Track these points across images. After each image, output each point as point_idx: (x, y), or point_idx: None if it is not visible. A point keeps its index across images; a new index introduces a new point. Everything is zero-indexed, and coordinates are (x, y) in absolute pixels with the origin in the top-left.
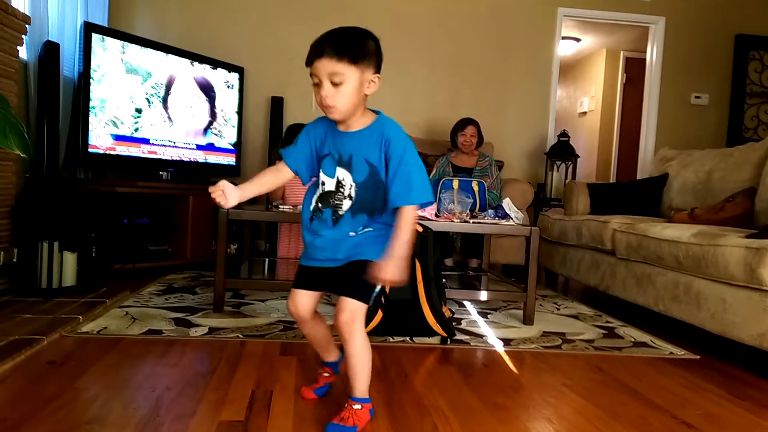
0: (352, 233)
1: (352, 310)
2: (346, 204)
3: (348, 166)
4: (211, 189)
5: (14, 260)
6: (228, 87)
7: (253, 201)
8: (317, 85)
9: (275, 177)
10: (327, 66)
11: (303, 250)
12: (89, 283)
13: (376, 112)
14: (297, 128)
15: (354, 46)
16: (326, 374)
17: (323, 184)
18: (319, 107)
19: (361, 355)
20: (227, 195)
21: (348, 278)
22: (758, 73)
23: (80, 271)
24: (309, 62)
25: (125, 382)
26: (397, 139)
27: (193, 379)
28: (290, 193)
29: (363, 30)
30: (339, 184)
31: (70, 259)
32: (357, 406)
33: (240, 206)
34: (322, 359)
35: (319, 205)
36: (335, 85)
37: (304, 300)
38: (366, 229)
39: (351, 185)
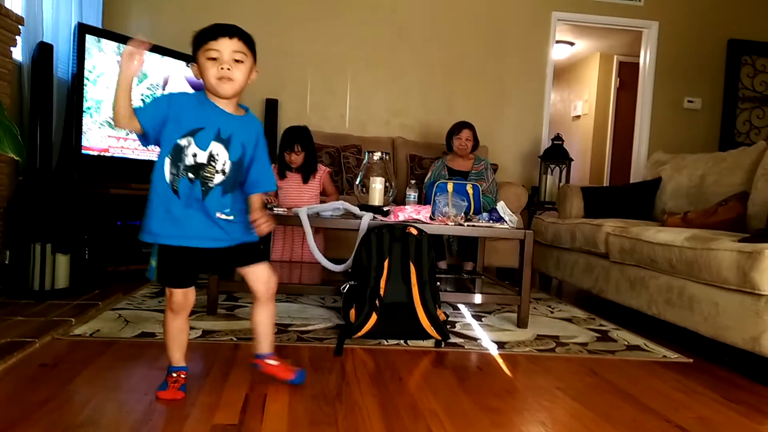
0: (219, 214)
1: (275, 280)
2: (218, 178)
3: (226, 143)
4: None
5: (6, 262)
6: None
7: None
8: (214, 59)
9: (128, 112)
10: (234, 45)
11: (159, 226)
12: (82, 285)
13: (244, 108)
14: (294, 131)
15: (249, 36)
16: (183, 376)
17: (195, 155)
18: (213, 83)
19: (274, 314)
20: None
21: (242, 254)
22: (750, 78)
23: (73, 274)
24: (214, 38)
25: (118, 385)
26: (262, 134)
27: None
28: (284, 196)
29: None
30: (211, 158)
31: (62, 261)
32: (274, 361)
33: None
34: (177, 363)
35: (189, 174)
36: (236, 62)
37: (193, 290)
38: (229, 217)
39: (225, 161)
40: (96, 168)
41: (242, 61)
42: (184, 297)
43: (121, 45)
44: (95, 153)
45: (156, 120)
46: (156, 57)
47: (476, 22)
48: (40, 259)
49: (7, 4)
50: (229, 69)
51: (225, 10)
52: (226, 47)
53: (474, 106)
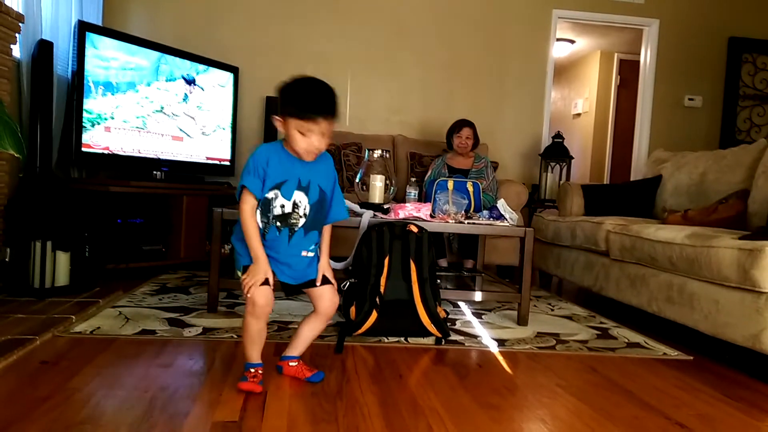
0: (304, 252)
1: (334, 287)
2: (301, 221)
3: (306, 189)
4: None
5: (7, 260)
6: (222, 86)
7: None
8: (304, 134)
9: (253, 214)
10: (328, 126)
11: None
12: (82, 282)
13: None
14: None
15: (337, 110)
16: (261, 372)
17: (282, 206)
18: (299, 152)
19: (322, 327)
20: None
21: (311, 282)
22: (751, 76)
23: (73, 271)
24: (314, 117)
25: (118, 382)
26: (333, 168)
27: (186, 379)
28: None
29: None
30: (295, 205)
31: (63, 259)
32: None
33: (235, 207)
34: (254, 360)
35: (277, 223)
36: (323, 135)
37: (272, 295)
38: (310, 253)
39: (306, 206)
40: (96, 165)
41: (327, 134)
42: (266, 300)
43: (120, 42)
44: (95, 150)
45: (260, 188)
46: (156, 55)
47: (477, 20)
48: (40, 257)
49: (7, 2)
50: (319, 148)
51: (225, 7)
52: (323, 127)
53: (474, 103)
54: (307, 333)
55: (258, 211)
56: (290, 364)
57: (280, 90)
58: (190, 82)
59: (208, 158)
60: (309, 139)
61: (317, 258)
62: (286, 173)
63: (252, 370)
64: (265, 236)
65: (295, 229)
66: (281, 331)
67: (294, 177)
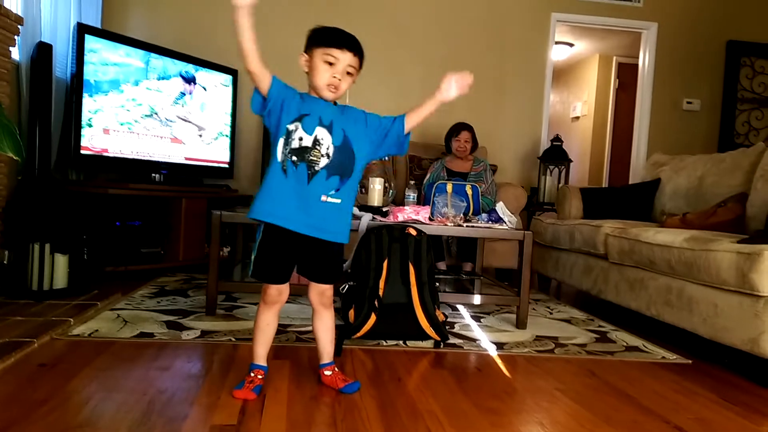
0: (324, 197)
1: (329, 291)
2: (323, 162)
3: (329, 128)
4: None
5: (5, 262)
6: (221, 89)
7: (247, 204)
8: (331, 64)
9: (260, 60)
10: (351, 59)
11: (265, 202)
12: (80, 285)
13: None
14: None
15: (364, 54)
16: (260, 376)
17: (300, 139)
18: (320, 85)
19: (333, 323)
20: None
21: (321, 263)
22: (749, 79)
23: (71, 274)
24: (340, 46)
25: (117, 385)
26: (363, 113)
27: (185, 382)
28: None
29: None
30: (316, 142)
31: (61, 261)
32: (331, 372)
33: (233, 209)
34: (258, 360)
35: (293, 158)
36: (348, 74)
37: (287, 286)
38: (333, 199)
39: (329, 146)
40: (95, 168)
41: (351, 75)
42: (278, 293)
43: (119, 45)
44: (94, 153)
45: (280, 91)
46: (154, 57)
47: (476, 23)
48: (38, 259)
49: (6, 4)
50: (339, 79)
51: (224, 10)
52: (345, 59)
53: (473, 106)
54: (323, 335)
55: (281, 142)
56: (325, 372)
57: (309, 32)
58: (190, 80)
59: (206, 161)
60: (333, 69)
61: (343, 213)
62: (308, 108)
63: (252, 374)
64: (286, 171)
65: (316, 168)
66: (278, 334)
67: (315, 113)
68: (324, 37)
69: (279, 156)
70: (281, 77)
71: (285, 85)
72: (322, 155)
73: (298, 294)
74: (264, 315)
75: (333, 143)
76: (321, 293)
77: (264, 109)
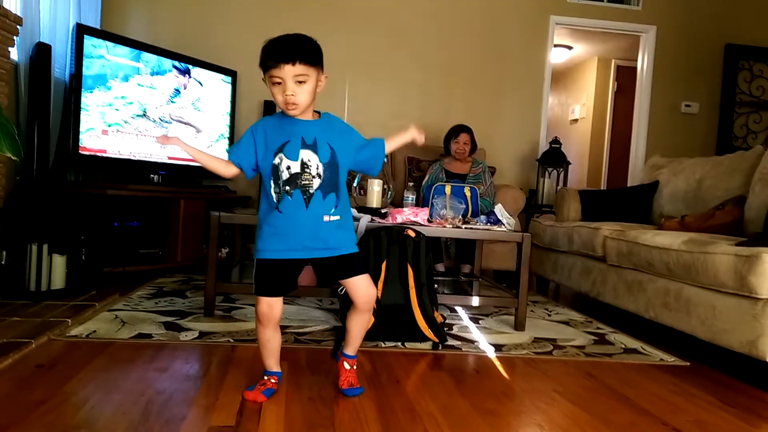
0: (326, 217)
1: (368, 278)
2: (316, 182)
3: (313, 147)
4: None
5: (3, 263)
6: (221, 90)
7: (245, 205)
8: (278, 84)
9: (223, 164)
10: (296, 69)
11: (266, 242)
12: (78, 286)
13: (318, 112)
14: None
15: (313, 51)
16: (273, 381)
17: (288, 168)
18: (281, 105)
19: (368, 322)
20: (168, 139)
21: (343, 268)
22: (747, 83)
23: (69, 274)
24: (276, 65)
25: (114, 386)
26: (347, 126)
27: (183, 383)
28: None
29: (309, 37)
30: (304, 165)
31: (59, 262)
32: (350, 367)
33: (232, 210)
34: (269, 368)
35: (287, 188)
36: (299, 83)
37: (276, 302)
38: (334, 217)
39: (318, 165)
40: (93, 168)
41: (306, 82)
42: (268, 307)
43: (117, 45)
44: (92, 153)
45: (247, 155)
46: (153, 57)
47: (474, 26)
48: (36, 260)
49: (5, 4)
50: (293, 95)
51: (224, 11)
52: (288, 73)
53: (472, 109)
54: (354, 328)
55: (271, 183)
56: (345, 365)
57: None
58: (185, 71)
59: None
60: (283, 88)
61: (346, 227)
62: (287, 134)
63: (264, 378)
64: (279, 208)
65: (311, 191)
66: None
67: (296, 135)
68: (263, 60)
69: (273, 196)
70: None
71: (246, 144)
72: (314, 176)
73: (297, 295)
74: (263, 332)
75: (321, 161)
76: (366, 293)
77: (252, 173)
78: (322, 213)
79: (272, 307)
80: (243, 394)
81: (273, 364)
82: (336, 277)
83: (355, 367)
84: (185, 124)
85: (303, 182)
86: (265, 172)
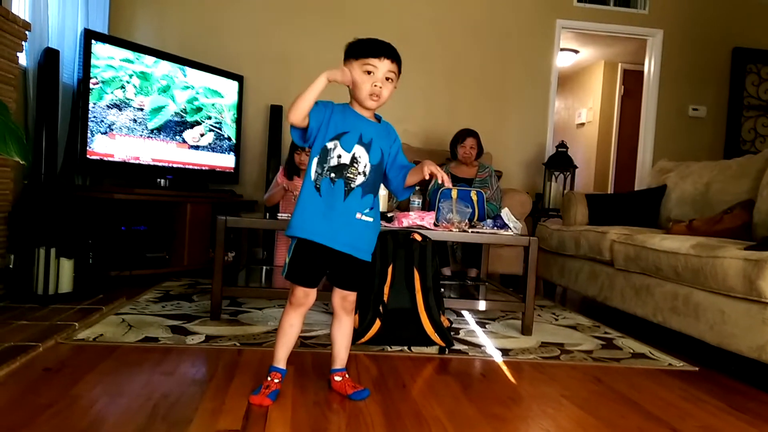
0: (359, 215)
1: (352, 296)
2: (359, 179)
3: (367, 147)
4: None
5: (11, 266)
6: (227, 95)
7: (251, 209)
8: (370, 73)
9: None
10: (390, 66)
11: (299, 219)
12: (86, 289)
13: (378, 117)
14: None
15: (401, 60)
16: (277, 380)
17: (339, 156)
18: (363, 96)
19: (351, 329)
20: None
21: (349, 275)
22: (755, 86)
23: (77, 278)
24: (378, 55)
25: (121, 389)
26: (398, 140)
27: (189, 387)
28: (290, 201)
29: None
30: (354, 160)
31: (66, 266)
32: (341, 378)
33: (238, 214)
34: (277, 363)
35: (332, 174)
36: (388, 80)
37: (314, 291)
38: (367, 217)
39: (366, 164)
40: (101, 173)
41: (391, 81)
42: (305, 295)
43: (124, 50)
44: (100, 158)
45: (320, 120)
46: (160, 62)
47: (480, 30)
48: (44, 264)
49: (14, 10)
50: (380, 87)
51: (231, 16)
52: (385, 67)
53: (478, 113)
54: (337, 339)
55: (315, 161)
56: (335, 378)
57: (346, 46)
58: (195, 86)
59: (212, 166)
60: (373, 78)
61: (373, 232)
62: (349, 125)
63: (269, 378)
64: (319, 189)
65: (352, 185)
66: None
67: (356, 130)
68: (360, 49)
69: (312, 175)
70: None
71: (323, 108)
72: (359, 173)
73: None
74: (288, 316)
75: (370, 161)
76: (344, 298)
77: (306, 141)
78: (356, 209)
79: (308, 294)
80: (249, 398)
81: (283, 358)
82: (339, 279)
83: (347, 375)
84: (194, 127)
85: (348, 174)
86: (315, 149)
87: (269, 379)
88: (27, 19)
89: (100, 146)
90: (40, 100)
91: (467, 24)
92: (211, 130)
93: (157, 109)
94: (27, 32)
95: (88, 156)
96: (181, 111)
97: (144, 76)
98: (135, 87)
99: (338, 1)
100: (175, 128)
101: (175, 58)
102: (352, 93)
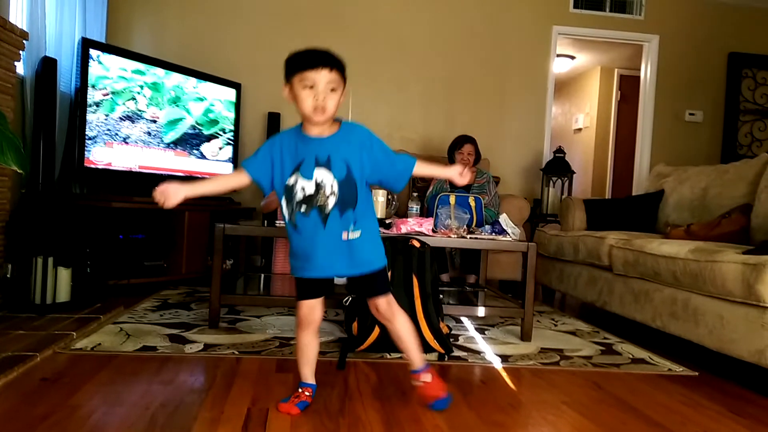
0: (345, 234)
1: (387, 298)
2: (332, 200)
3: (327, 166)
4: (154, 192)
5: (8, 276)
6: (225, 102)
7: (249, 217)
8: (310, 88)
9: (234, 179)
10: (329, 75)
11: (293, 258)
12: (83, 298)
13: (337, 120)
14: None
15: (343, 65)
16: (307, 393)
17: (303, 189)
18: (308, 112)
19: (408, 328)
20: (169, 194)
21: (371, 284)
22: (751, 91)
23: (74, 287)
24: (313, 67)
25: (119, 399)
26: (369, 138)
27: (188, 396)
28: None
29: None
30: (318, 186)
31: (64, 275)
32: (429, 377)
33: (236, 222)
34: (304, 379)
35: (302, 208)
36: (331, 90)
37: (316, 305)
38: (354, 233)
39: (332, 183)
40: (98, 181)
41: (336, 90)
42: (309, 309)
43: (122, 58)
44: (98, 166)
45: (263, 168)
46: (159, 71)
47: (477, 36)
48: (41, 273)
49: (12, 19)
50: (323, 99)
51: (228, 24)
52: (323, 78)
53: (475, 119)
54: (400, 343)
55: (283, 201)
56: (416, 381)
57: (285, 62)
58: (193, 94)
59: (210, 174)
60: (314, 92)
61: (370, 242)
62: (302, 153)
63: (299, 390)
64: (296, 227)
65: (327, 210)
66: (282, 347)
67: (310, 155)
68: (296, 63)
69: (286, 215)
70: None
71: (265, 155)
72: (329, 195)
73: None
74: (302, 336)
75: (336, 178)
76: (376, 308)
77: (268, 189)
78: (340, 230)
79: (313, 309)
80: (277, 405)
81: (309, 374)
82: (366, 291)
83: (429, 378)
84: (192, 135)
85: (318, 202)
86: (279, 189)
87: (300, 391)
88: (24, 28)
89: (98, 155)
90: (37, 109)
91: (464, 31)
92: (208, 138)
93: (155, 117)
94: (24, 41)
95: (85, 165)
96: (179, 118)
97: (141, 84)
98: (132, 95)
99: (336, 8)
100: (172, 136)
101: (173, 66)
102: (298, 111)
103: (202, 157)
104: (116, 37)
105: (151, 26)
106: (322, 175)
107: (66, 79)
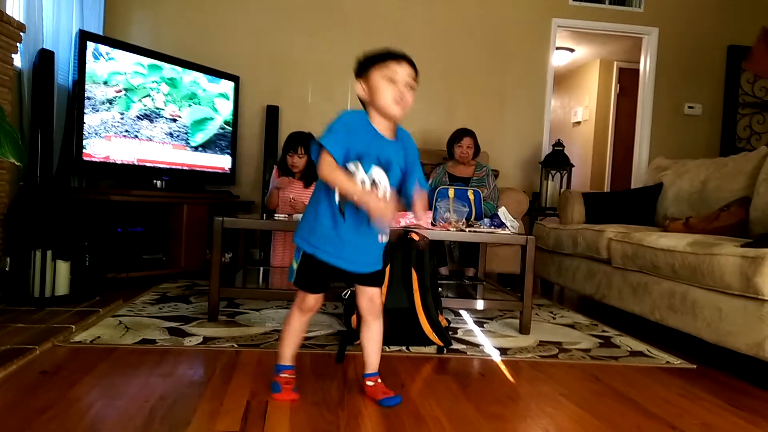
0: (380, 237)
1: (377, 297)
2: None
3: (386, 169)
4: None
5: (7, 269)
6: (223, 95)
7: (248, 210)
8: (391, 82)
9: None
10: (410, 71)
11: (321, 241)
12: (82, 292)
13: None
14: (298, 135)
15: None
16: (293, 375)
17: (362, 182)
18: (387, 102)
19: (381, 333)
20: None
21: (372, 276)
22: (750, 84)
23: (73, 280)
24: (397, 60)
25: (118, 392)
26: (417, 155)
27: (187, 389)
28: (286, 202)
29: None
30: (374, 183)
31: (63, 268)
32: (378, 380)
33: (235, 215)
34: (286, 361)
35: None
36: (410, 88)
37: (321, 296)
38: (386, 237)
39: (386, 186)
40: (97, 174)
41: (413, 89)
42: (315, 301)
43: (119, 51)
44: (96, 160)
45: (344, 150)
46: (156, 63)
47: (476, 29)
48: (40, 266)
49: (9, 11)
50: (407, 92)
51: (226, 17)
52: (407, 73)
53: (474, 112)
54: (367, 344)
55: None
56: (367, 383)
57: (359, 60)
58: (191, 87)
59: (208, 167)
60: (396, 85)
61: (384, 246)
62: (368, 144)
63: (284, 375)
64: (344, 213)
65: None
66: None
67: (374, 151)
68: (378, 56)
69: (336, 197)
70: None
71: (342, 132)
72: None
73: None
74: (296, 320)
75: (391, 184)
76: (370, 299)
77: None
78: (377, 234)
79: (318, 300)
80: (273, 396)
81: (290, 356)
82: (362, 284)
83: (379, 380)
84: (190, 128)
85: None
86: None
87: (284, 376)
88: (21, 20)
89: (96, 148)
90: (35, 102)
91: (463, 24)
92: (207, 131)
93: (153, 110)
94: (21, 33)
95: (83, 157)
96: (177, 111)
97: (139, 77)
98: (130, 88)
99: (335, 1)
100: (170, 129)
101: (171, 58)
102: (372, 104)
103: (204, 156)
104: (114, 29)
105: (148, 18)
106: (379, 175)
107: (64, 71)
